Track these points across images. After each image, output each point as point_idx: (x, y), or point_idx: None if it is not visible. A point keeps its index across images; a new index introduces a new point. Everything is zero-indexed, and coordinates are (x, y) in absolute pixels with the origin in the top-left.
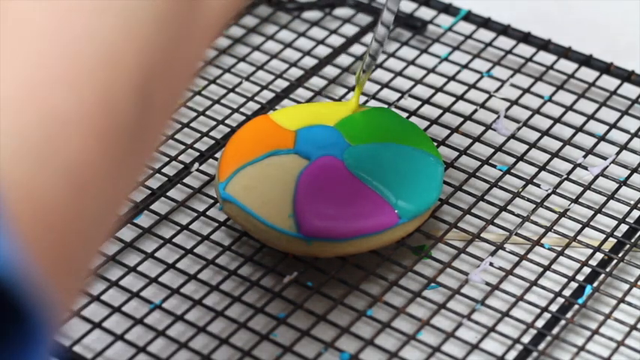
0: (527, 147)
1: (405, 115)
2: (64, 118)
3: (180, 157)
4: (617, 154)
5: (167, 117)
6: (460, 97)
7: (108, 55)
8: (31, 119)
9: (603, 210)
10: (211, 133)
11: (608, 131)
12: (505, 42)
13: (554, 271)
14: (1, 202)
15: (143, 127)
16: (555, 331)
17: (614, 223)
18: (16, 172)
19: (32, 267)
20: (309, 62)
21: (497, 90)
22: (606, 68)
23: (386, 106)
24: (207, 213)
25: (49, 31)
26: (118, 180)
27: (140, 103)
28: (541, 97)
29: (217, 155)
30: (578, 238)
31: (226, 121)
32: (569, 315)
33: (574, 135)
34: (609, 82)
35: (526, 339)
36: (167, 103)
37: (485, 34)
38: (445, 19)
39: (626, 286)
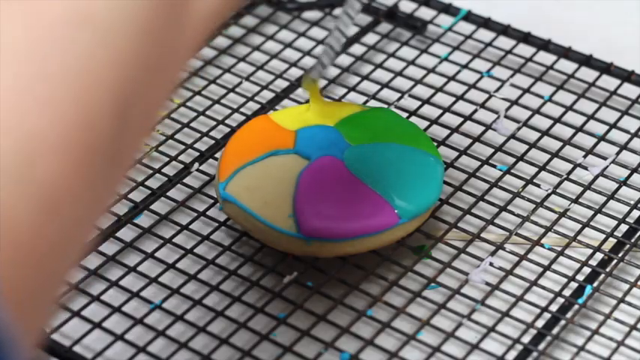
0: (527, 147)
1: (405, 115)
2: (39, 140)
3: (180, 157)
4: (617, 154)
5: (145, 132)
6: (460, 97)
7: (85, 73)
8: (5, 143)
9: (603, 210)
10: (211, 133)
11: (608, 131)
12: (505, 42)
13: (554, 271)
14: None
15: (120, 145)
16: (555, 331)
17: (614, 223)
18: None
19: None
20: (309, 62)
21: (497, 90)
22: (606, 68)
23: (386, 106)
24: (207, 213)
25: (24, 49)
26: (91, 202)
27: (118, 121)
28: (541, 97)
29: (217, 155)
30: (578, 238)
31: (226, 121)
32: (569, 315)
33: (574, 135)
34: (609, 82)
35: (526, 339)
36: (145, 119)
37: (485, 34)
38: (445, 19)
39: (626, 286)
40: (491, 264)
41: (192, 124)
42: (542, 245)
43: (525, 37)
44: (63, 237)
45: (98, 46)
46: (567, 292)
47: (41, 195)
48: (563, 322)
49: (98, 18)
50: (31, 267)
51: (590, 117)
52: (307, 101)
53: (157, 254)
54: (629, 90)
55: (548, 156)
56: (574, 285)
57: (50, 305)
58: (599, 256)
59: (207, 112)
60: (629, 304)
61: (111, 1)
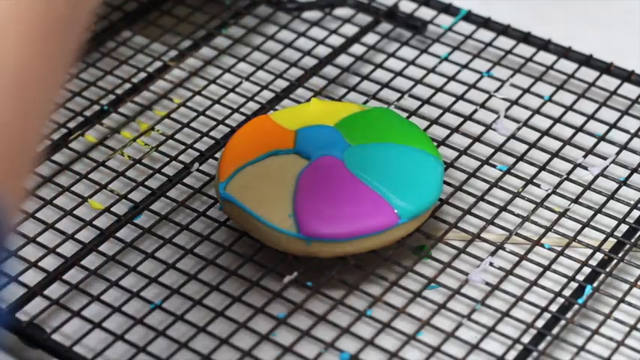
0: (527, 147)
1: (405, 115)
2: (2, 19)
3: (180, 157)
4: (617, 154)
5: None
6: (460, 97)
7: None
8: None
9: (603, 210)
10: (211, 133)
11: (608, 131)
12: (505, 42)
13: (554, 271)
14: None
15: (74, 11)
16: (555, 331)
17: (614, 223)
18: None
19: None
20: (309, 62)
21: (497, 90)
22: (606, 68)
23: (386, 106)
24: (208, 213)
25: None
26: (53, 74)
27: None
28: (541, 97)
29: (217, 155)
30: (578, 238)
31: (226, 121)
32: (569, 315)
33: (574, 135)
34: (609, 82)
35: (526, 339)
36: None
37: (485, 34)
38: (445, 19)
39: (626, 286)
40: (491, 264)
41: (192, 124)
42: (542, 245)
43: (525, 37)
44: (32, 110)
45: None
46: (567, 292)
47: (10, 73)
48: (563, 322)
49: None
50: (7, 141)
51: (590, 117)
52: (307, 100)
53: (157, 254)
54: (629, 90)
55: (548, 156)
56: (574, 285)
57: (27, 173)
58: (599, 256)
59: (207, 112)
60: (629, 304)
61: None
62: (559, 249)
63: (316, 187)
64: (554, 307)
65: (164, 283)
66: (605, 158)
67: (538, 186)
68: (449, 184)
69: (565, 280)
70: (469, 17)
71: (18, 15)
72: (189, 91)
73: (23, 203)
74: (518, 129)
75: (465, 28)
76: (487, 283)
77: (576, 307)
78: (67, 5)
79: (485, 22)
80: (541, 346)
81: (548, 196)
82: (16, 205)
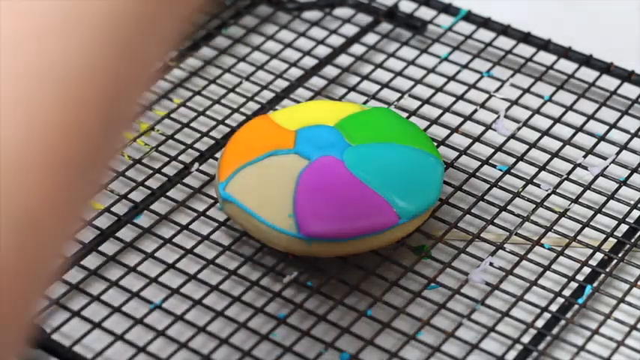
0: (527, 147)
1: (405, 115)
2: (16, 149)
3: (180, 157)
4: (617, 154)
5: (123, 136)
6: (460, 97)
7: (71, 72)
8: None
9: (603, 210)
10: (211, 133)
11: (608, 131)
12: (505, 42)
13: (554, 271)
14: None
15: (100, 147)
16: (555, 331)
17: (614, 223)
18: None
19: None
20: (309, 62)
21: (497, 90)
22: (606, 68)
23: (386, 106)
24: (207, 213)
25: (8, 45)
26: (69, 213)
27: (101, 121)
28: (541, 97)
29: (217, 155)
30: (578, 238)
31: (226, 121)
32: (569, 315)
33: (574, 135)
34: (609, 82)
35: (526, 339)
36: (125, 122)
37: (485, 34)
38: (445, 19)
39: (626, 286)
40: (491, 264)
41: (192, 124)
42: (542, 245)
43: (525, 37)
44: (42, 251)
45: (78, 63)
46: (567, 292)
47: (20, 210)
48: (563, 322)
49: (84, 21)
50: (10, 282)
51: (590, 117)
52: (309, 100)
53: (156, 254)
54: (629, 90)
55: (548, 156)
56: (574, 285)
57: (30, 316)
58: (599, 256)
59: (207, 112)
60: (629, 304)
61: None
62: (559, 249)
63: (316, 187)
64: (554, 307)
65: (164, 283)
66: (605, 158)
67: (538, 186)
68: (449, 184)
69: (565, 280)
70: (469, 17)
71: (34, 158)
72: (189, 91)
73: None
74: (518, 129)
75: (465, 28)
76: (487, 283)
77: (576, 307)
78: (85, 154)
79: (485, 22)
80: (541, 346)
81: (548, 196)
82: (17, 347)
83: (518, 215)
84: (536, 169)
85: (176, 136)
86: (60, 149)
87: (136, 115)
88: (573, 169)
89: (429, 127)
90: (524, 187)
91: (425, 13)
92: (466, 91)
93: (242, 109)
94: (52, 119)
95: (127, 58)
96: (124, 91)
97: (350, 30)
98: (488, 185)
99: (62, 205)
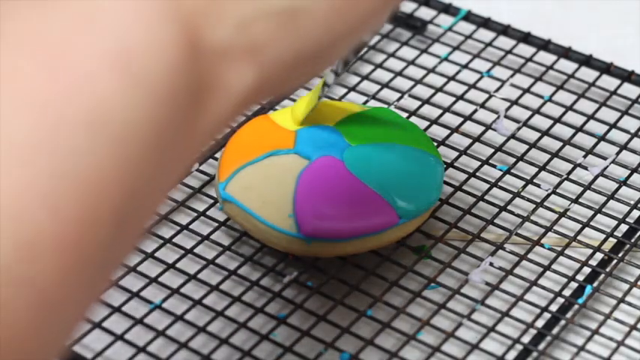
0: (527, 147)
1: (405, 115)
2: (38, 238)
3: None
4: (617, 154)
5: (139, 237)
6: (460, 97)
7: (91, 176)
8: (6, 239)
9: (603, 210)
10: None
11: (608, 131)
12: (505, 42)
13: (554, 271)
14: None
15: (118, 245)
16: (555, 331)
17: (614, 223)
18: None
19: None
20: None
21: (497, 90)
22: (606, 68)
23: (386, 106)
24: (207, 213)
25: (33, 145)
26: (85, 297)
27: (115, 228)
28: (541, 97)
29: (217, 155)
30: (578, 238)
31: None
32: (569, 315)
33: (574, 135)
34: (609, 82)
35: (526, 339)
36: (141, 225)
37: (485, 34)
38: (445, 19)
39: (626, 286)
40: (491, 264)
41: None
42: (542, 245)
43: (525, 37)
44: (58, 334)
45: (107, 152)
46: (567, 292)
47: (40, 294)
48: (563, 322)
49: (111, 122)
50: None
51: (590, 117)
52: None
53: (156, 254)
54: (629, 90)
55: (548, 156)
56: (574, 285)
57: None
58: (599, 256)
59: None
60: (629, 304)
61: (125, 103)
62: (559, 249)
63: (316, 187)
64: (554, 307)
65: (164, 283)
66: (605, 158)
67: (538, 186)
68: (449, 184)
69: (565, 280)
70: (469, 17)
71: (57, 234)
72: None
73: None
74: (518, 129)
75: (465, 28)
76: (487, 283)
77: (576, 307)
78: (113, 235)
79: (485, 22)
80: (541, 346)
81: (548, 196)
82: None
83: (518, 215)
84: (536, 169)
85: None
86: (76, 241)
87: (150, 224)
88: (573, 169)
89: (429, 127)
90: (524, 187)
91: (425, 13)
92: (466, 91)
93: None
94: (69, 213)
95: (147, 167)
96: (139, 198)
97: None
98: (489, 185)
99: (75, 293)
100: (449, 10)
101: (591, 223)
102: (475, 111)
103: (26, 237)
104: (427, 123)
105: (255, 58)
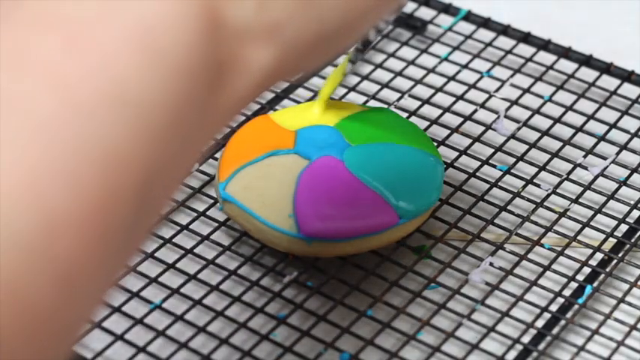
0: (527, 147)
1: (405, 115)
2: (60, 217)
3: None
4: (617, 154)
5: (161, 210)
6: (460, 97)
7: (112, 154)
8: (25, 217)
9: (603, 210)
10: None
11: (608, 131)
12: (505, 42)
13: (554, 271)
14: None
15: (135, 225)
16: (555, 331)
17: (614, 223)
18: (3, 268)
19: None
20: None
21: (497, 90)
22: (606, 68)
23: (386, 106)
24: (207, 213)
25: (55, 122)
26: (105, 278)
27: (136, 204)
28: (541, 97)
29: (217, 155)
30: (578, 238)
31: None
32: (569, 315)
33: (574, 135)
34: (609, 82)
35: (526, 339)
36: (162, 202)
37: (485, 34)
38: (445, 19)
39: (626, 286)
40: (491, 264)
41: None
42: (542, 245)
43: (525, 37)
44: (76, 312)
45: (128, 130)
46: (567, 292)
47: (60, 271)
48: (563, 322)
49: (132, 99)
50: (45, 340)
51: (590, 117)
52: (309, 100)
53: (156, 254)
54: (629, 90)
55: (548, 156)
56: (574, 285)
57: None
58: (599, 256)
59: None
60: (629, 304)
61: (147, 81)
62: (559, 249)
63: (316, 187)
64: (554, 307)
65: (164, 283)
66: (605, 158)
67: (538, 186)
68: (449, 184)
69: (565, 280)
70: (469, 17)
71: (80, 211)
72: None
73: None
74: (518, 129)
75: (465, 28)
76: (487, 283)
77: (576, 307)
78: (134, 214)
79: (485, 22)
80: (541, 346)
81: (548, 196)
82: None
83: (518, 215)
84: (536, 169)
85: None
86: (98, 219)
87: (167, 205)
88: (573, 169)
89: (429, 127)
90: (524, 187)
91: (425, 13)
92: (466, 91)
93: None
94: (91, 191)
95: (168, 145)
96: (160, 177)
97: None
98: (489, 185)
99: (98, 269)
100: (449, 10)
101: (591, 223)
102: (475, 111)
103: (49, 214)
104: (427, 123)
105: (274, 38)
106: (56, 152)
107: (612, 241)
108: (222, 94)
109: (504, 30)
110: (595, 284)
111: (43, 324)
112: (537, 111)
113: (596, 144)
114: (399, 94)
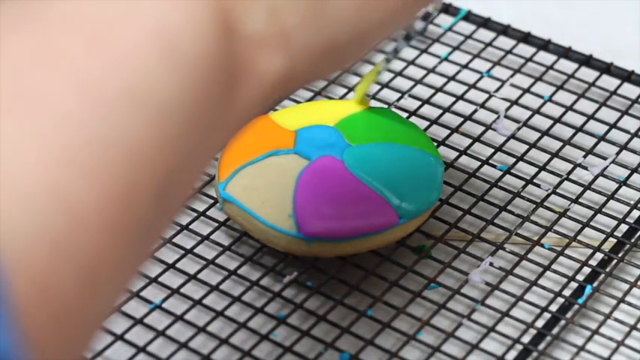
0: (527, 147)
1: (405, 115)
2: (82, 211)
3: None
4: (617, 154)
5: (181, 205)
6: (460, 97)
7: (134, 151)
8: (50, 209)
9: (603, 210)
10: None
11: (608, 131)
12: (505, 42)
13: (554, 271)
14: (9, 292)
15: (158, 220)
16: (555, 331)
17: (614, 223)
18: (29, 262)
19: None
20: None
21: (497, 90)
22: (606, 68)
23: (386, 106)
24: (207, 213)
25: (77, 118)
26: (126, 271)
27: (158, 199)
28: (541, 97)
29: (217, 155)
30: (578, 238)
31: None
32: (569, 315)
33: (574, 135)
34: (609, 82)
35: (526, 339)
36: (180, 198)
37: (485, 34)
38: (445, 19)
39: (626, 286)
40: (491, 264)
41: None
42: (542, 245)
43: (525, 37)
44: (98, 304)
45: (148, 127)
46: (567, 292)
47: (84, 264)
48: (563, 322)
49: (151, 97)
50: (68, 328)
51: (590, 117)
52: (309, 100)
53: (156, 254)
54: (629, 90)
55: (548, 156)
56: (574, 285)
57: (79, 350)
58: (599, 256)
59: None
60: (629, 304)
61: (165, 80)
62: (559, 249)
63: (316, 187)
64: (554, 307)
65: (164, 283)
66: (605, 158)
67: (538, 186)
68: (449, 184)
69: (565, 280)
70: (469, 17)
71: (102, 206)
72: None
73: None
74: (518, 129)
75: (465, 28)
76: (487, 283)
77: (576, 307)
78: (153, 209)
79: (485, 22)
80: (541, 346)
81: (548, 196)
82: None
83: (518, 215)
84: (536, 169)
85: None
86: (118, 213)
87: (187, 198)
88: (573, 169)
89: (429, 127)
90: (524, 187)
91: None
92: (466, 91)
93: None
94: (111, 186)
95: (185, 143)
96: (177, 175)
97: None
98: (489, 185)
99: (119, 262)
100: (449, 10)
101: (591, 223)
102: (475, 111)
103: (73, 208)
104: (427, 123)
105: (285, 46)
106: (78, 148)
107: (612, 241)
108: (235, 98)
109: (504, 30)
110: (595, 284)
111: (69, 316)
112: (537, 111)
113: (596, 144)
114: (399, 94)
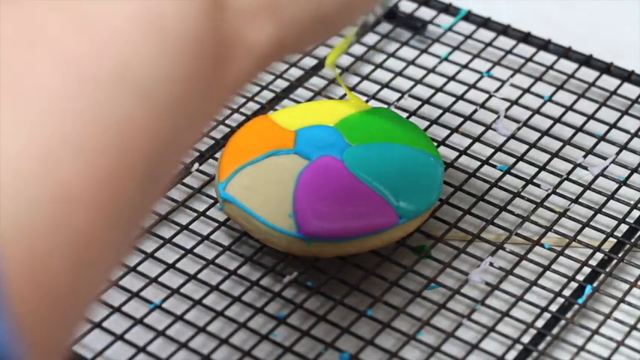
0: (527, 147)
1: (405, 115)
2: (72, 192)
3: None
4: (617, 154)
5: (165, 185)
6: (460, 97)
7: (122, 130)
8: (40, 190)
9: (603, 210)
10: (211, 133)
11: (608, 131)
12: (505, 42)
13: (554, 271)
14: (2, 276)
15: (145, 199)
16: (555, 331)
17: (614, 223)
18: (20, 245)
19: (21, 347)
20: (309, 62)
21: (497, 90)
22: (606, 68)
23: (386, 106)
24: (207, 213)
25: (65, 98)
26: (117, 250)
27: (148, 176)
28: (541, 97)
29: (217, 155)
30: (578, 238)
31: (226, 121)
32: (569, 315)
33: (574, 135)
34: (609, 82)
35: (526, 339)
36: (167, 176)
37: (485, 34)
38: (445, 19)
39: (626, 286)
40: (491, 264)
41: None
42: (542, 245)
43: (525, 37)
44: (91, 283)
45: (137, 105)
46: (567, 292)
47: (76, 241)
48: (563, 322)
49: (140, 75)
50: (59, 311)
51: (590, 117)
52: (309, 100)
53: (156, 254)
54: (629, 90)
55: (548, 156)
56: (574, 285)
57: (68, 343)
58: (599, 256)
59: None
60: (629, 304)
61: (153, 57)
62: (559, 249)
63: (316, 187)
64: (554, 307)
65: (164, 283)
66: (605, 158)
67: (538, 186)
68: (449, 184)
69: (565, 280)
70: (469, 17)
71: (92, 184)
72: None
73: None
74: (518, 129)
75: (465, 28)
76: (487, 283)
77: (576, 307)
78: (142, 187)
79: (485, 22)
80: (541, 346)
81: (548, 196)
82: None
83: (518, 215)
84: (536, 169)
85: None
86: (108, 190)
87: (176, 171)
88: (573, 169)
89: (429, 127)
90: (524, 187)
91: (425, 13)
92: (466, 91)
93: (242, 109)
94: (100, 163)
95: (174, 120)
96: (166, 151)
97: (350, 30)
98: (489, 185)
99: (111, 241)
100: (449, 10)
101: (591, 223)
102: (475, 111)
103: (63, 186)
104: (427, 123)
105: (274, 16)
106: (67, 127)
107: (612, 241)
108: (225, 71)
109: (504, 30)
110: (595, 284)
111: (62, 294)
112: (537, 111)
113: (596, 144)
114: (399, 94)
